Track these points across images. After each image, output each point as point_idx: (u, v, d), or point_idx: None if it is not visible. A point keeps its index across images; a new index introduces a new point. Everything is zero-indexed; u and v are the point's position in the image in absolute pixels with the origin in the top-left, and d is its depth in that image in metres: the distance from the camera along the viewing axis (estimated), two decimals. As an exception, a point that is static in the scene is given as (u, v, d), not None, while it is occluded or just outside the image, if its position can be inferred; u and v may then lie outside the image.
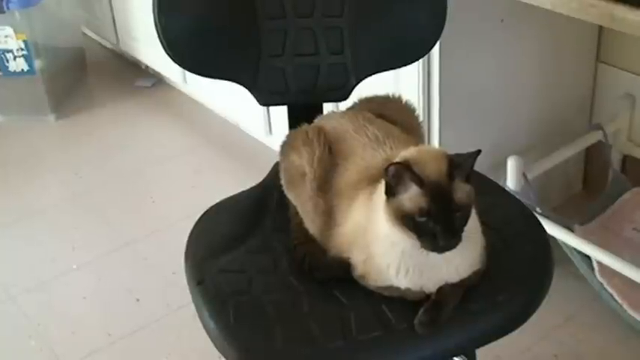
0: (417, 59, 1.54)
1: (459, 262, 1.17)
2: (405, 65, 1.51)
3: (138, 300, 2.13)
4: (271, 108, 2.47)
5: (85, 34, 3.50)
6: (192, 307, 2.04)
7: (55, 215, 2.52)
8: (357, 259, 1.21)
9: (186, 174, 2.69)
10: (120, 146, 2.88)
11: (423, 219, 1.09)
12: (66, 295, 2.17)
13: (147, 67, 3.30)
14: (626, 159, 2.14)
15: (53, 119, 3.05)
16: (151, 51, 3.06)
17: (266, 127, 2.55)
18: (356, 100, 1.47)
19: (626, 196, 2.03)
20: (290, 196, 1.35)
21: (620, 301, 1.84)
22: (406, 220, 1.10)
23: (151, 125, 3.01)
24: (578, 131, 2.12)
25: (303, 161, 1.30)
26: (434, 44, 1.48)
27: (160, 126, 3.00)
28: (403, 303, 1.18)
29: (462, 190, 1.10)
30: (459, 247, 1.14)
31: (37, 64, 2.94)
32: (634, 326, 1.83)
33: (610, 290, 1.85)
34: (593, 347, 1.85)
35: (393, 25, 1.45)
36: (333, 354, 1.13)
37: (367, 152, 1.27)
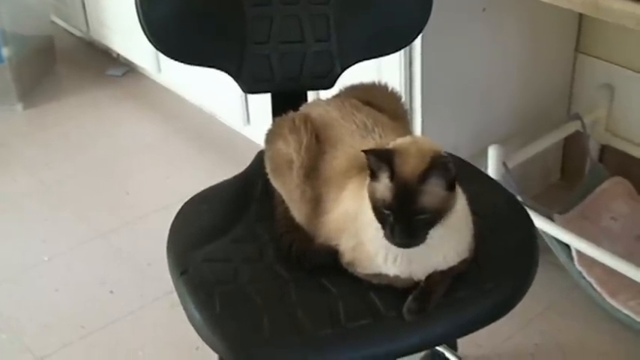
0: (404, 47, 1.53)
1: (449, 251, 1.16)
2: (392, 53, 1.51)
3: (112, 292, 2.09)
4: (249, 97, 2.45)
5: (53, 22, 3.43)
6: (168, 298, 2.04)
7: (25, 206, 2.46)
8: (346, 245, 1.20)
9: (160, 165, 2.64)
10: (91, 136, 2.83)
11: (387, 211, 1.08)
12: (37, 288, 2.12)
13: (118, 55, 3.25)
14: (604, 149, 2.15)
15: (21, 108, 2.98)
16: (122, 39, 3.02)
17: (244, 116, 2.51)
18: (341, 88, 1.46)
19: (604, 185, 2.04)
20: (276, 184, 1.33)
21: (599, 289, 1.85)
22: (375, 206, 1.10)
23: (122, 115, 2.96)
24: (556, 121, 2.12)
25: (290, 149, 1.28)
26: (420, 31, 1.46)
27: (133, 116, 2.95)
28: (392, 291, 1.17)
29: (431, 195, 1.07)
30: (449, 235, 1.14)
31: (5, 52, 2.88)
32: (613, 314, 1.84)
33: (589, 279, 1.86)
34: (573, 335, 1.86)
35: (380, 13, 1.44)
36: (321, 342, 1.12)
37: (356, 140, 1.26)
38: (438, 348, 1.73)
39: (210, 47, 1.40)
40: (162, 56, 2.77)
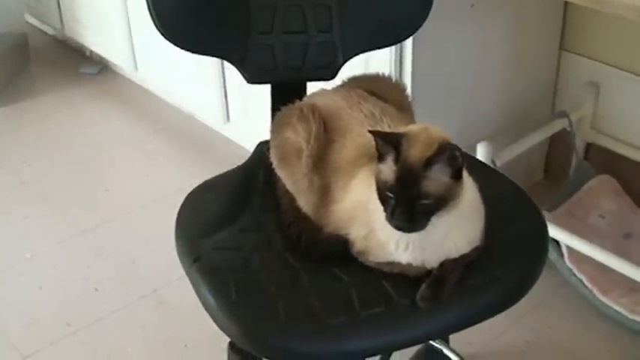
0: (405, 38, 1.53)
1: (460, 238, 1.16)
2: (393, 44, 1.51)
3: (97, 289, 2.06)
4: (229, 96, 2.43)
5: (27, 22, 3.37)
6: (154, 296, 2.01)
7: (4, 204, 2.41)
8: (357, 234, 1.19)
9: (139, 162, 2.61)
10: (67, 135, 2.78)
11: (389, 193, 1.08)
12: (21, 285, 2.08)
13: (91, 53, 3.20)
14: (589, 147, 2.16)
15: (-4, 106, 2.94)
16: (99, 37, 2.97)
17: (223, 115, 2.48)
18: (344, 79, 1.45)
19: (591, 183, 2.06)
20: (282, 173, 1.32)
21: (589, 286, 1.86)
22: (379, 188, 1.10)
23: (99, 113, 2.91)
24: (540, 119, 2.14)
25: (300, 137, 1.27)
26: (422, 23, 1.46)
27: (108, 114, 2.91)
28: (404, 279, 1.17)
29: (435, 181, 1.08)
30: (461, 223, 1.15)
31: (-21, 49, 2.84)
32: (603, 311, 1.85)
33: (579, 276, 1.88)
34: (564, 332, 1.87)
35: (382, 4, 1.44)
36: (336, 329, 1.11)
37: (365, 129, 1.25)
38: (433, 343, 1.73)
39: (215, 36, 1.38)
40: (138, 54, 2.79)
